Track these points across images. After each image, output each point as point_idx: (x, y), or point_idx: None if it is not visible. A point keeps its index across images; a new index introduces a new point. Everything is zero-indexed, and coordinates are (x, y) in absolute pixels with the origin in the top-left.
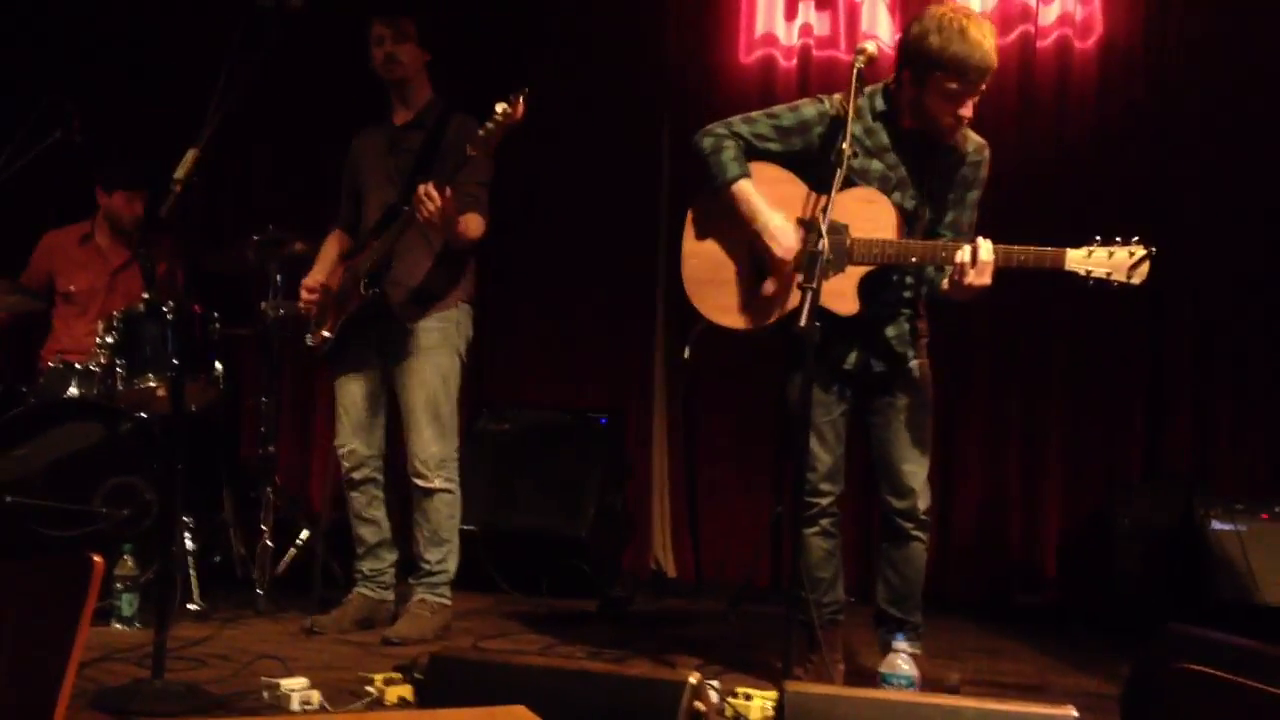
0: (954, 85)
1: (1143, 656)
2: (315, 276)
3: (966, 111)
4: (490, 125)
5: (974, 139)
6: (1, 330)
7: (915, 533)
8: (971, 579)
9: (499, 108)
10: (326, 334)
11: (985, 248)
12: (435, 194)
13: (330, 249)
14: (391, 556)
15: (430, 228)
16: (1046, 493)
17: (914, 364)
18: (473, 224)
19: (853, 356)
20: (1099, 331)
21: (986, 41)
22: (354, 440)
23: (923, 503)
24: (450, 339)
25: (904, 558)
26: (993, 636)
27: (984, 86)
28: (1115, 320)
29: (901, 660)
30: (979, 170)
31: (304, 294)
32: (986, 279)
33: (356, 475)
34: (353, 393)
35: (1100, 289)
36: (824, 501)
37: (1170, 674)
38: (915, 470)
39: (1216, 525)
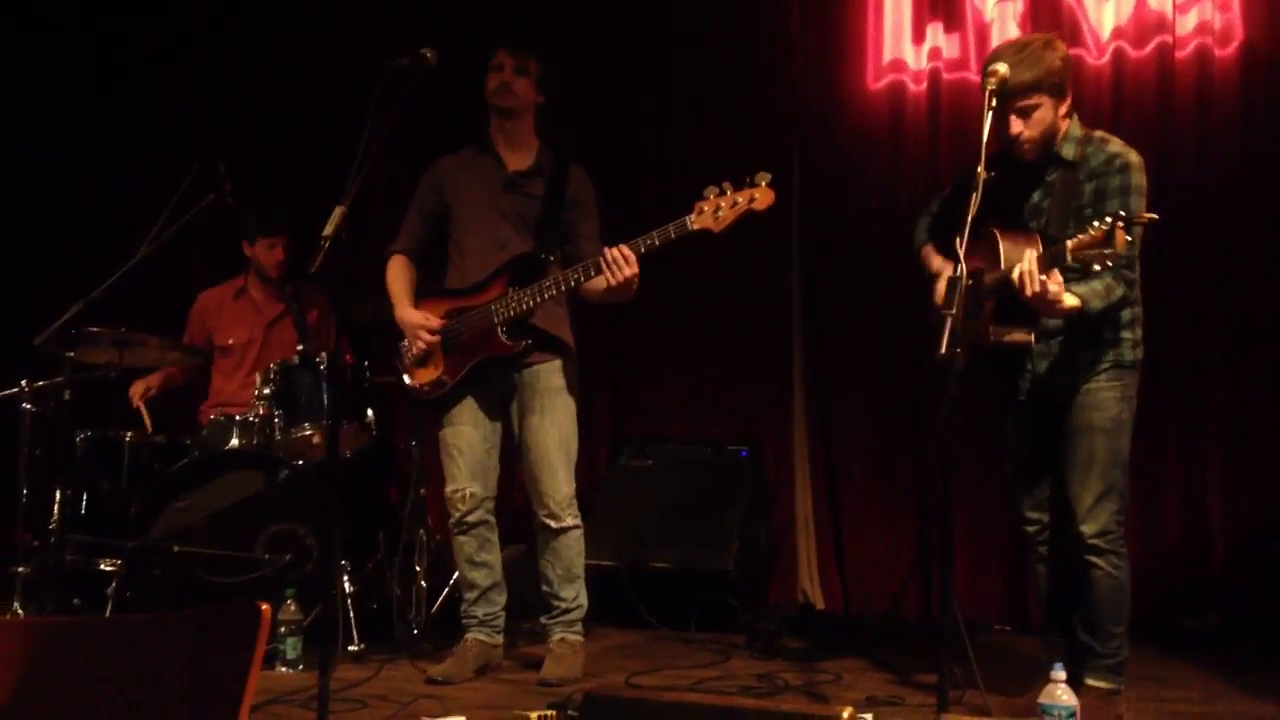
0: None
1: None
2: (423, 314)
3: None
4: (724, 204)
5: (1106, 150)
6: (176, 388)
7: (1087, 557)
8: (1135, 601)
9: (731, 192)
10: (445, 378)
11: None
12: (633, 259)
13: (402, 278)
14: (502, 599)
15: (612, 290)
16: (1209, 510)
17: (1085, 388)
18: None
19: (1024, 385)
20: (1255, 340)
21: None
22: (472, 483)
23: (1088, 526)
24: (574, 380)
25: (1087, 582)
26: (1158, 661)
27: (1020, 102)
28: (1270, 328)
29: (1061, 690)
30: (1108, 181)
31: (424, 334)
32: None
33: (471, 518)
34: (469, 435)
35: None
36: (1030, 529)
37: None
38: (1078, 494)
39: None
